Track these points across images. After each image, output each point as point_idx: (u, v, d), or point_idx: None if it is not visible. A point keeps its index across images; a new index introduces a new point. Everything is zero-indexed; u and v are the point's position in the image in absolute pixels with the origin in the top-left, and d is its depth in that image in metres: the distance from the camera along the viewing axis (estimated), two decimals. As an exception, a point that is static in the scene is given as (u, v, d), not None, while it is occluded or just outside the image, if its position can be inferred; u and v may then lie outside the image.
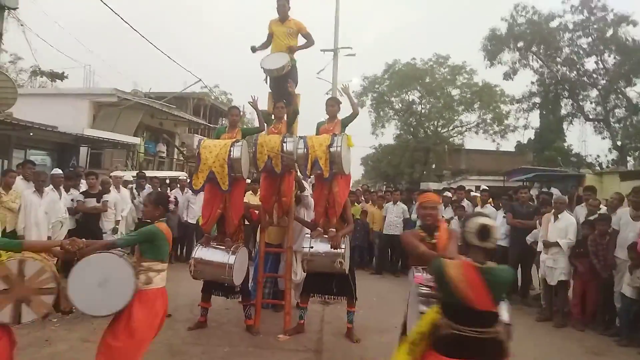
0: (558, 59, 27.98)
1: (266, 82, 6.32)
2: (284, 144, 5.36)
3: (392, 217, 9.69)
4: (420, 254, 3.30)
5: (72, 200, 7.54)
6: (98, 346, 3.37)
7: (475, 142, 34.05)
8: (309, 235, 5.43)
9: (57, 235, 7.08)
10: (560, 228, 6.48)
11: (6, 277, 3.01)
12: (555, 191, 10.16)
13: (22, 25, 9.23)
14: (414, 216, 9.29)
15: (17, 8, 8.92)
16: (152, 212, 3.73)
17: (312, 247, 5.23)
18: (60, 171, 7.69)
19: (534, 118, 30.55)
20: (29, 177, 6.99)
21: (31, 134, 13.45)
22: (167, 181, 10.47)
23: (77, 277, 3.22)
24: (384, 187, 27.39)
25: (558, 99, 28.95)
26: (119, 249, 3.49)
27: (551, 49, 27.45)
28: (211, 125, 26.92)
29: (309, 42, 6.38)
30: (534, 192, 10.85)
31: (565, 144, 28.73)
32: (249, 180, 6.84)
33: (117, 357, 3.27)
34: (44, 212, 6.80)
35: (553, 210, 6.68)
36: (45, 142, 15.34)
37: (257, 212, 6.07)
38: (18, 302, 3.02)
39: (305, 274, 5.68)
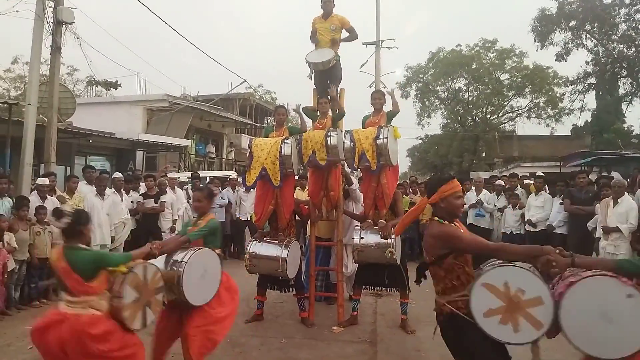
0: (614, 37, 26.39)
1: (310, 78, 6.40)
2: (328, 139, 5.43)
3: (442, 207, 9.54)
4: (499, 250, 2.88)
5: (132, 202, 7.97)
6: (185, 335, 3.58)
7: (527, 127, 32.87)
8: (359, 227, 5.48)
9: (120, 235, 7.52)
10: (621, 212, 6.19)
11: (137, 286, 3.16)
12: (615, 175, 9.66)
13: (77, 38, 9.71)
14: (465, 206, 9.12)
15: (74, 22, 9.40)
16: (206, 206, 4.05)
17: (362, 238, 5.28)
18: (120, 175, 8.16)
19: (590, 99, 29.05)
20: (91, 181, 7.42)
21: (90, 140, 14.26)
22: (228, 179, 10.83)
23: (189, 274, 3.50)
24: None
25: (615, 78, 27.33)
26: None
27: (606, 26, 25.92)
28: (257, 125, 27.45)
29: (352, 36, 6.41)
30: (592, 176, 10.34)
31: (625, 125, 27.08)
32: (296, 177, 6.96)
33: (216, 328, 3.68)
34: (106, 214, 7.21)
35: (612, 195, 6.39)
36: (104, 148, 16.20)
37: (306, 207, 6.18)
38: (145, 306, 3.21)
39: (356, 266, 5.74)
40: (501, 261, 2.79)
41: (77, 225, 3.06)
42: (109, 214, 7.30)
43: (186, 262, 3.51)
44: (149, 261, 3.39)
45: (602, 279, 2.51)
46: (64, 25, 9.19)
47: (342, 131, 5.68)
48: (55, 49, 9.14)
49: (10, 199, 6.51)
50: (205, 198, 4.04)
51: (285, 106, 6.95)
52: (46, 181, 6.86)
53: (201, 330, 3.60)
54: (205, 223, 3.90)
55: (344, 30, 6.32)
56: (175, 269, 3.53)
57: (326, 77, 6.23)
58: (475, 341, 2.68)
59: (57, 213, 3.10)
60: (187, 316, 3.64)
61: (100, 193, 7.25)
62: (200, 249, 3.70)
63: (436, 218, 2.96)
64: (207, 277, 3.66)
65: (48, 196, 6.76)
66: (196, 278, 3.56)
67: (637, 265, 2.49)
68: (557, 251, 2.54)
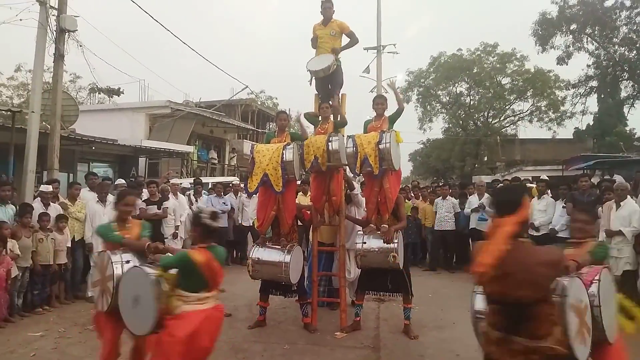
0: (615, 40, 26.47)
1: (311, 84, 6.42)
2: (330, 144, 5.43)
3: (443, 212, 9.54)
4: None
5: (135, 208, 7.96)
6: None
7: (529, 131, 32.79)
8: (361, 232, 5.48)
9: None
10: (624, 216, 6.17)
11: None
12: (618, 178, 9.64)
13: (80, 46, 9.77)
14: (467, 211, 9.11)
15: (76, 30, 9.46)
16: (191, 234, 3.61)
17: (364, 243, 5.27)
18: (124, 181, 8.17)
19: (592, 103, 29.10)
20: (94, 188, 7.44)
21: (93, 147, 14.29)
22: (231, 185, 10.82)
23: (120, 291, 3.33)
24: (441, 182, 26.88)
25: (617, 81, 27.35)
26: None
27: (607, 29, 25.99)
28: (259, 130, 27.48)
29: (353, 41, 6.42)
30: (595, 180, 10.32)
31: (627, 128, 27.03)
32: (298, 182, 6.97)
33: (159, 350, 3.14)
34: (108, 220, 7.20)
35: (615, 198, 6.37)
36: (106, 154, 16.24)
37: (308, 212, 6.18)
38: None
39: (359, 271, 5.73)
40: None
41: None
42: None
43: (119, 281, 3.33)
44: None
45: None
46: (66, 33, 9.24)
47: (343, 136, 5.69)
48: (58, 57, 9.19)
49: (14, 206, 6.53)
50: (191, 224, 3.51)
51: (287, 112, 6.96)
52: (49, 188, 6.88)
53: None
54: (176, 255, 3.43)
55: (344, 35, 6.34)
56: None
57: (328, 82, 6.25)
58: None
59: (214, 216, 3.34)
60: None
61: (102, 200, 7.26)
62: (136, 268, 3.33)
63: (524, 239, 2.40)
64: (142, 306, 3.17)
65: (51, 203, 6.78)
66: (128, 300, 3.26)
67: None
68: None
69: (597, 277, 2.72)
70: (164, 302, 3.14)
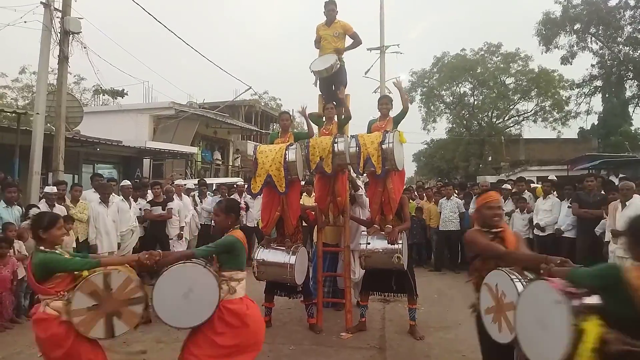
0: (619, 39, 26.36)
1: (316, 85, 6.42)
2: (335, 145, 5.43)
3: (447, 212, 9.51)
4: (506, 255, 2.95)
5: (140, 209, 8.00)
6: (180, 356, 3.34)
7: (534, 131, 32.76)
8: (365, 233, 5.48)
9: (129, 242, 7.55)
10: (629, 216, 6.11)
11: (94, 293, 3.03)
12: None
13: (84, 47, 9.82)
14: (471, 211, 9.07)
15: (81, 32, 9.52)
16: (223, 221, 3.61)
17: (368, 244, 5.27)
18: (128, 182, 8.20)
19: (597, 102, 29.01)
20: (98, 188, 7.47)
21: (98, 149, 14.36)
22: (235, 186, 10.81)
23: (162, 288, 3.19)
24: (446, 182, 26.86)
25: (622, 80, 27.23)
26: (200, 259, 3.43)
27: (611, 28, 25.90)
28: (263, 131, 27.53)
29: (356, 42, 6.41)
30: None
31: (633, 128, 27.00)
32: (302, 183, 6.96)
33: None
34: (112, 221, 7.24)
35: (620, 198, 6.34)
36: (111, 156, 16.31)
37: (313, 212, 6.18)
38: (109, 316, 3.06)
39: (363, 272, 5.72)
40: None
41: (37, 229, 3.14)
42: (115, 220, 7.31)
43: (161, 274, 3.23)
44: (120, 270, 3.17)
45: (537, 284, 2.53)
46: (71, 35, 9.30)
47: (347, 136, 5.68)
48: (63, 59, 9.25)
49: (20, 208, 6.57)
50: (221, 211, 3.61)
51: (290, 112, 6.96)
52: (54, 189, 6.91)
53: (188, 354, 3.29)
54: (221, 239, 3.52)
55: (347, 36, 6.34)
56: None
57: (331, 82, 6.25)
58: None
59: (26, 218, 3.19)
60: (187, 338, 3.36)
61: (105, 200, 7.27)
62: (192, 262, 3.34)
63: None
64: (194, 298, 3.20)
65: (56, 204, 6.81)
66: (175, 295, 3.19)
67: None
68: (559, 261, 2.57)
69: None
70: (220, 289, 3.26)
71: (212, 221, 9.62)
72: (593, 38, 27.05)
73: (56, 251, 3.13)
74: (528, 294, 2.54)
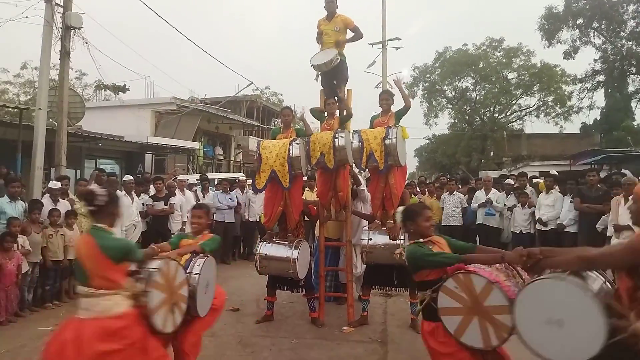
0: (622, 34, 26.16)
1: (317, 80, 6.42)
2: (336, 140, 5.43)
3: (450, 207, 9.48)
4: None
5: (142, 204, 8.03)
6: (181, 352, 3.53)
7: (536, 126, 32.63)
8: (367, 228, 5.49)
9: (131, 237, 7.57)
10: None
11: (163, 284, 3.04)
12: (627, 173, 9.57)
13: (86, 43, 9.81)
14: (474, 206, 9.08)
15: (82, 27, 9.51)
16: (205, 223, 3.98)
17: (370, 239, 5.28)
18: (131, 177, 8.23)
19: (599, 97, 28.81)
20: (101, 183, 7.48)
21: (100, 144, 14.39)
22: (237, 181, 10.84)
23: (201, 286, 3.41)
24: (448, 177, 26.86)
25: (624, 75, 27.08)
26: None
27: (614, 23, 25.71)
28: (264, 126, 27.53)
29: (357, 35, 6.40)
30: (603, 174, 10.25)
31: (635, 123, 26.83)
32: (305, 178, 6.97)
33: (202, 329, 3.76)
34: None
35: (623, 193, 6.34)
36: (113, 151, 16.34)
37: (315, 207, 6.20)
38: (173, 306, 3.13)
39: (365, 267, 5.74)
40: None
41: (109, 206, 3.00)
42: (119, 215, 7.33)
43: (199, 274, 3.44)
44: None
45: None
46: (72, 31, 9.29)
47: (349, 132, 5.69)
48: (64, 54, 9.25)
49: (23, 202, 6.59)
50: (205, 215, 3.98)
51: (292, 107, 6.96)
52: (58, 185, 6.94)
53: (194, 343, 3.60)
54: (210, 237, 3.86)
55: (348, 30, 6.33)
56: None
57: (333, 77, 6.24)
58: None
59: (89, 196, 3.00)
60: (182, 329, 3.44)
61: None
62: (207, 257, 3.62)
63: None
64: (209, 288, 3.61)
65: (60, 199, 6.84)
66: (203, 290, 3.50)
67: None
68: (538, 252, 2.58)
69: None
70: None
71: (213, 216, 9.69)
72: (596, 33, 26.88)
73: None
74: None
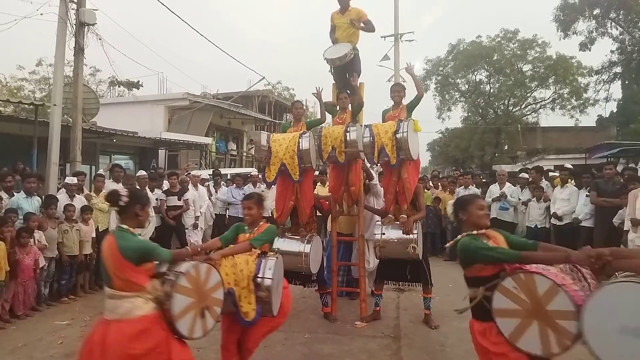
0: (640, 24, 25.62)
1: (331, 73, 6.38)
2: (347, 134, 5.39)
3: (464, 202, 9.40)
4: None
5: (156, 199, 8.09)
6: (247, 351, 3.74)
7: (551, 119, 32.18)
8: (380, 223, 5.46)
9: (145, 232, 7.61)
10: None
11: (192, 288, 2.91)
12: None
13: (100, 39, 9.89)
14: (488, 200, 8.97)
15: (96, 24, 9.58)
16: (257, 214, 3.85)
17: (383, 234, 5.25)
18: (145, 173, 8.29)
19: (616, 89, 28.29)
20: (118, 179, 7.56)
21: (114, 140, 14.52)
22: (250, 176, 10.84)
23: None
24: (461, 172, 26.64)
25: (642, 66, 26.53)
26: None
27: (632, 13, 25.15)
28: (276, 121, 27.54)
29: (369, 27, 6.35)
30: (619, 168, 10.08)
31: (653, 115, 26.30)
32: (316, 173, 6.96)
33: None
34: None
35: (641, 186, 6.22)
36: (127, 147, 16.49)
37: (327, 202, 6.18)
38: (204, 310, 3.01)
39: (377, 261, 5.72)
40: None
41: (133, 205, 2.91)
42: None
43: (271, 279, 3.43)
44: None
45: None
46: (86, 27, 9.36)
47: (361, 126, 5.65)
48: (78, 50, 9.32)
49: (39, 198, 6.68)
50: (256, 204, 3.83)
51: (303, 102, 6.92)
52: (74, 180, 7.02)
53: (257, 340, 3.74)
54: (264, 229, 3.77)
55: (361, 23, 6.27)
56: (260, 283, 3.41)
57: (345, 71, 6.20)
58: None
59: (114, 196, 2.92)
60: (250, 328, 3.56)
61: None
62: (277, 258, 3.61)
63: None
64: (279, 286, 3.63)
65: (76, 195, 6.92)
66: (275, 292, 3.52)
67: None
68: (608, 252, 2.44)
69: None
70: None
71: (227, 211, 9.74)
72: (613, 23, 26.33)
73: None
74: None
